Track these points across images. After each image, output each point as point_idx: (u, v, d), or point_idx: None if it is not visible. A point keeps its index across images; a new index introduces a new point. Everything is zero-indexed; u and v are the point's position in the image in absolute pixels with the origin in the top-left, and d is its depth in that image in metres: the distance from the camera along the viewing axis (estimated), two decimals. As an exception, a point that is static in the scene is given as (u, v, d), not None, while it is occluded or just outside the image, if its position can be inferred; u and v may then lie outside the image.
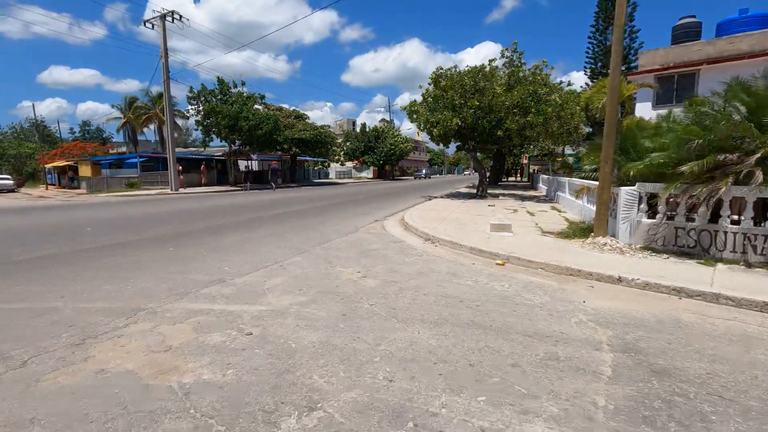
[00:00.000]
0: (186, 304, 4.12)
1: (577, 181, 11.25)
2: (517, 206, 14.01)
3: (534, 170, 38.43)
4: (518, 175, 56.28)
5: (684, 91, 16.91)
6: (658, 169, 6.60)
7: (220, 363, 2.88)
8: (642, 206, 6.61)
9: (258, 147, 31.14)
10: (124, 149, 48.09)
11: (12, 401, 2.43)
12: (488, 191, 19.54)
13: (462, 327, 3.56)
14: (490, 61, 16.61)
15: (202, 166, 31.18)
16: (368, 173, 60.02)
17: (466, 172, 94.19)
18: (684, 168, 5.95)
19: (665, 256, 6.10)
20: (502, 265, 5.97)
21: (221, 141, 31.07)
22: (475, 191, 20.29)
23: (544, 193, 20.67)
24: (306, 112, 37.83)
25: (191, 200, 18.74)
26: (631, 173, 6.80)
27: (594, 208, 8.37)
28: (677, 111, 7.53)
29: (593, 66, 35.92)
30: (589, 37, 35.72)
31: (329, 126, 42.56)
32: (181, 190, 25.60)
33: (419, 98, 17.42)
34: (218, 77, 29.17)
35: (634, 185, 6.73)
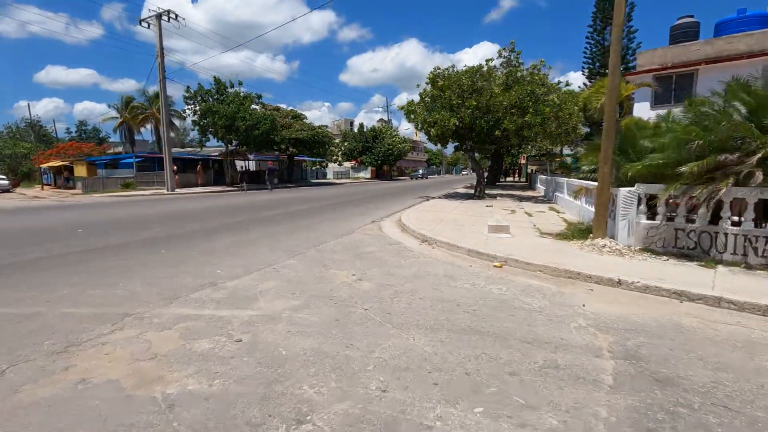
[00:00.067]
0: (175, 309, 4.01)
1: (576, 182, 11.17)
2: (515, 207, 13.93)
3: (532, 170, 38.40)
4: (516, 176, 56.28)
5: (682, 91, 16.86)
6: (658, 170, 6.52)
7: (207, 372, 2.77)
8: (641, 207, 6.53)
9: (255, 147, 30.98)
10: (120, 149, 47.83)
11: (-15, 415, 2.31)
12: (486, 192, 19.46)
13: (458, 333, 3.46)
14: (488, 61, 16.53)
15: (199, 167, 30.99)
16: (366, 173, 59.87)
17: (464, 172, 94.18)
18: (684, 168, 5.88)
19: (665, 257, 6.01)
20: (500, 267, 5.87)
21: (218, 141, 30.90)
22: (472, 192, 20.21)
23: (542, 194, 20.60)
24: (304, 112, 37.70)
25: (187, 201, 18.59)
26: (629, 174, 6.71)
27: (592, 209, 8.29)
28: (676, 111, 7.45)
29: (591, 66, 35.89)
30: (587, 37, 35.72)
31: (327, 126, 42.42)
32: (177, 190, 25.42)
33: (417, 98, 17.34)
34: (215, 77, 29.03)
35: (633, 186, 6.64)
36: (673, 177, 6.09)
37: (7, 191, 31.53)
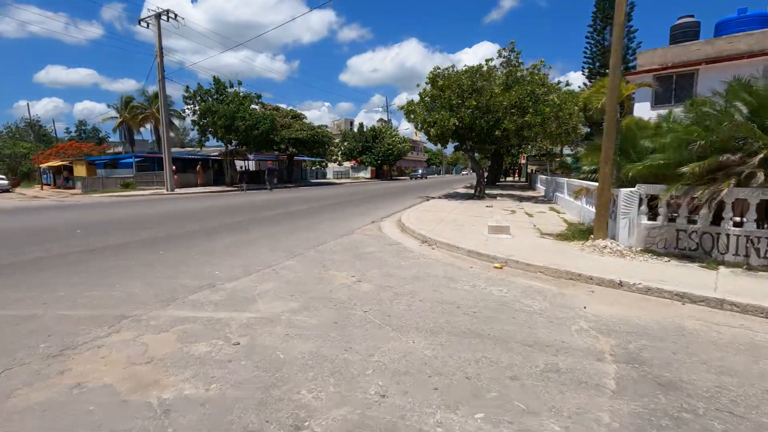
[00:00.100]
0: (172, 311, 3.97)
1: (576, 182, 11.13)
2: (515, 207, 13.90)
3: (532, 170, 38.36)
4: (516, 175, 56.25)
5: (683, 91, 16.83)
6: (659, 170, 6.48)
7: (204, 376, 2.73)
8: (642, 208, 6.49)
9: (255, 147, 30.93)
10: (120, 149, 47.79)
11: (-22, 420, 2.28)
12: (486, 192, 19.42)
13: (458, 336, 3.42)
14: (488, 60, 16.48)
15: (198, 167, 30.94)
16: (366, 173, 59.83)
17: (463, 172, 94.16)
18: (685, 169, 5.84)
19: (666, 258, 5.98)
20: (500, 268, 5.84)
21: (217, 141, 30.86)
22: (472, 191, 20.17)
23: (543, 194, 20.57)
24: (304, 112, 37.65)
25: (186, 201, 18.55)
26: (630, 174, 6.68)
27: (593, 210, 8.25)
28: (677, 111, 7.42)
29: (591, 66, 35.86)
30: (587, 37, 35.68)
31: (327, 126, 42.37)
32: (177, 190, 25.38)
33: (417, 98, 17.29)
34: (214, 77, 28.99)
35: (633, 186, 6.61)
36: (675, 177, 6.06)
37: (7, 191, 31.50)
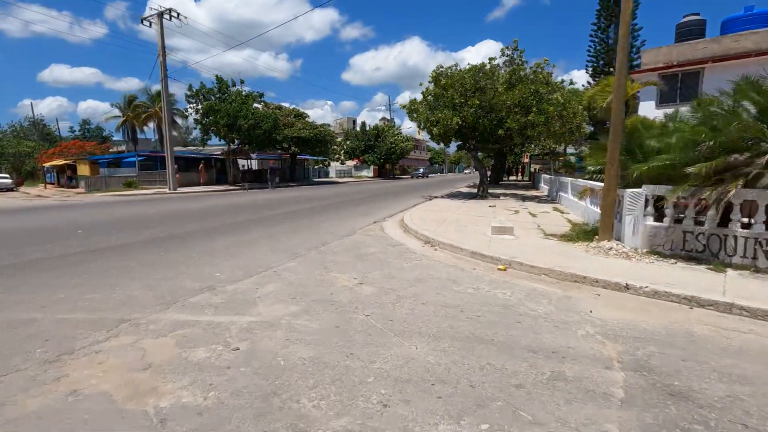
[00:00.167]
0: (172, 315, 3.92)
1: (581, 182, 11.03)
2: (518, 207, 13.80)
3: (535, 169, 38.14)
4: (519, 174, 56.02)
5: (688, 89, 16.67)
6: (665, 171, 6.39)
7: (202, 384, 2.68)
8: (648, 209, 6.39)
9: (257, 146, 30.91)
10: (123, 148, 47.90)
11: (-29, 429, 2.23)
12: (489, 191, 19.31)
13: (462, 341, 3.36)
14: (491, 59, 16.37)
15: (201, 166, 30.94)
16: (368, 172, 59.77)
17: (466, 171, 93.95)
18: (691, 169, 5.74)
19: (673, 261, 5.89)
20: (504, 270, 5.76)
21: (220, 140, 30.85)
22: (475, 191, 20.07)
23: (546, 193, 20.44)
24: (306, 111, 37.67)
25: (188, 200, 18.54)
26: (635, 174, 6.58)
27: (597, 210, 8.16)
28: (684, 110, 7.31)
29: (595, 64, 35.61)
30: (591, 35, 35.42)
31: (329, 125, 42.33)
32: (180, 189, 25.40)
33: (419, 97, 17.20)
34: (217, 75, 28.97)
35: (639, 187, 6.51)
36: (681, 178, 5.96)
37: (11, 190, 31.62)
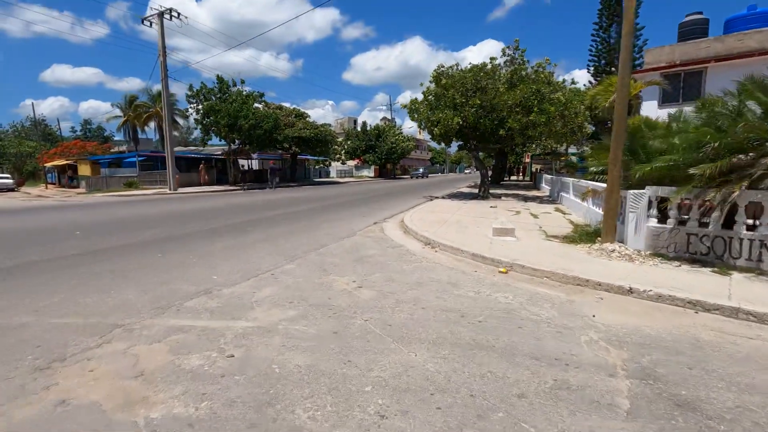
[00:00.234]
0: (167, 320, 3.85)
1: (583, 183, 10.93)
2: (519, 207, 13.71)
3: (536, 169, 38.03)
4: (520, 174, 55.90)
5: (691, 89, 16.55)
6: (669, 172, 6.29)
7: (194, 393, 2.60)
8: (652, 211, 6.31)
9: (258, 146, 30.85)
10: (124, 148, 47.89)
11: (-45, 442, 2.16)
12: (490, 191, 19.21)
13: (463, 348, 3.27)
14: (492, 59, 16.27)
15: (201, 166, 30.90)
16: (369, 172, 59.70)
17: (467, 171, 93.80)
18: (695, 171, 5.65)
19: (676, 263, 5.80)
20: (506, 273, 5.68)
21: (220, 140, 30.80)
22: (476, 191, 19.98)
23: (547, 194, 20.34)
24: (307, 111, 37.54)
25: (188, 201, 18.49)
26: (637, 175, 6.49)
27: (600, 211, 8.07)
28: (688, 110, 7.21)
29: (597, 63, 35.47)
30: (593, 35, 35.29)
31: (330, 125, 42.24)
32: (180, 189, 25.35)
33: (420, 96, 17.10)
34: (218, 75, 28.89)
35: (642, 188, 6.43)
36: (685, 179, 5.87)
37: (12, 190, 31.63)
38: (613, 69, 32.00)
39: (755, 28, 15.89)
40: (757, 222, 5.62)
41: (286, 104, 36.92)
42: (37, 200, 21.68)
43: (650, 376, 2.84)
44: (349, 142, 51.77)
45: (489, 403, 2.51)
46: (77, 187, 31.69)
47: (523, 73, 15.93)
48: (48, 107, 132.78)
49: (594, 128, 25.65)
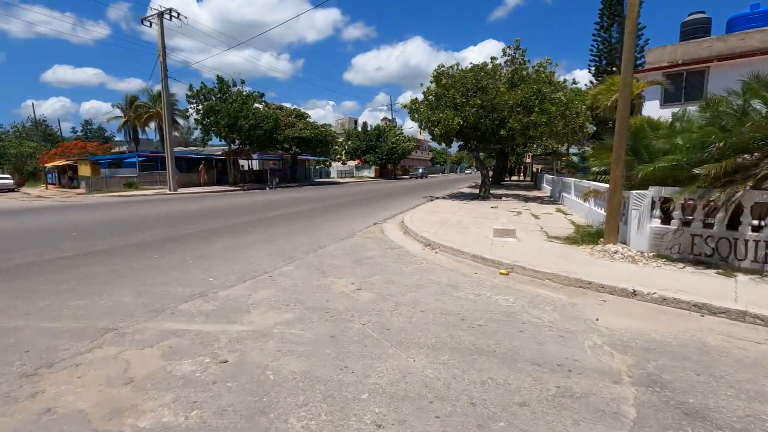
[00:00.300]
0: (160, 324, 3.76)
1: (585, 183, 10.83)
2: (520, 208, 13.61)
3: (537, 169, 37.91)
4: (521, 174, 55.79)
5: (693, 88, 16.44)
6: (672, 172, 6.20)
7: (185, 401, 2.51)
8: (655, 211, 6.21)
9: (258, 146, 30.77)
10: (125, 148, 47.87)
11: (-67, 453, 2.08)
12: (491, 191, 19.11)
13: (463, 353, 3.18)
14: (492, 58, 16.17)
15: (201, 166, 30.83)
16: (370, 172, 59.63)
17: (467, 171, 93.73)
18: (700, 171, 5.56)
19: (680, 265, 5.70)
20: (506, 274, 5.59)
21: (221, 140, 30.73)
22: (477, 191, 19.87)
23: (549, 194, 20.24)
24: (308, 111, 37.44)
25: (187, 201, 18.41)
26: (640, 175, 6.40)
27: (602, 212, 7.98)
28: (692, 109, 7.11)
29: (598, 63, 35.34)
30: (594, 35, 35.15)
31: (331, 125, 42.15)
32: (180, 190, 25.29)
33: (421, 96, 17.00)
34: (218, 75, 28.83)
35: (645, 188, 6.33)
36: (689, 179, 5.78)
37: (12, 191, 31.62)
38: (614, 69, 31.87)
39: (758, 27, 15.78)
40: (763, 223, 5.52)
41: (287, 104, 36.89)
42: (36, 201, 21.63)
43: (656, 383, 2.75)
44: (349, 143, 51.69)
45: (490, 411, 2.42)
46: (77, 187, 31.65)
47: (524, 72, 15.82)
48: (49, 108, 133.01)
49: (595, 128, 25.55)
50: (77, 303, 4.32)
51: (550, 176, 22.85)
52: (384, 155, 50.79)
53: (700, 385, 2.73)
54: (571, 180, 13.65)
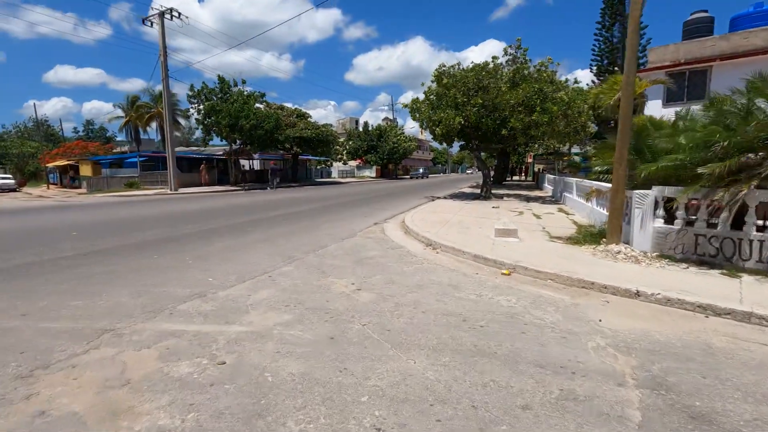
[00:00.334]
0: (158, 324, 3.72)
1: (587, 183, 10.77)
2: (522, 208, 13.55)
3: (539, 169, 37.82)
4: (523, 174, 55.69)
5: (695, 88, 16.36)
6: (676, 171, 6.14)
7: (182, 404, 2.47)
8: (659, 211, 6.15)
9: (259, 146, 30.76)
10: (126, 148, 47.95)
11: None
12: (492, 191, 19.05)
13: (464, 354, 3.14)
14: (494, 58, 16.09)
15: (202, 166, 30.83)
16: (371, 172, 59.61)
17: (468, 171, 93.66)
18: (703, 170, 5.50)
19: (684, 265, 5.64)
20: (508, 274, 5.54)
21: (222, 140, 30.72)
22: (478, 191, 19.82)
23: (550, 194, 20.17)
24: (309, 111, 37.50)
25: (188, 201, 18.40)
26: (643, 175, 6.34)
27: (604, 212, 7.93)
28: (696, 108, 7.05)
29: (599, 63, 35.26)
30: (596, 34, 35.06)
31: (332, 125, 42.14)
32: (181, 190, 25.28)
33: (422, 96, 16.95)
34: (219, 75, 28.80)
35: (648, 188, 6.27)
36: (693, 179, 5.72)
37: (14, 190, 31.68)
38: (615, 69, 31.77)
39: (761, 26, 15.69)
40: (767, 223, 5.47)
41: (288, 104, 36.88)
42: (38, 200, 21.65)
43: (661, 386, 2.70)
44: (350, 143, 51.67)
45: (492, 415, 2.38)
46: (79, 187, 31.69)
47: (526, 72, 15.75)
48: (51, 108, 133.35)
49: (597, 128, 25.44)
50: (76, 303, 4.29)
51: (551, 176, 22.78)
52: (385, 155, 50.76)
53: (706, 388, 2.68)
54: (573, 180, 13.59)
